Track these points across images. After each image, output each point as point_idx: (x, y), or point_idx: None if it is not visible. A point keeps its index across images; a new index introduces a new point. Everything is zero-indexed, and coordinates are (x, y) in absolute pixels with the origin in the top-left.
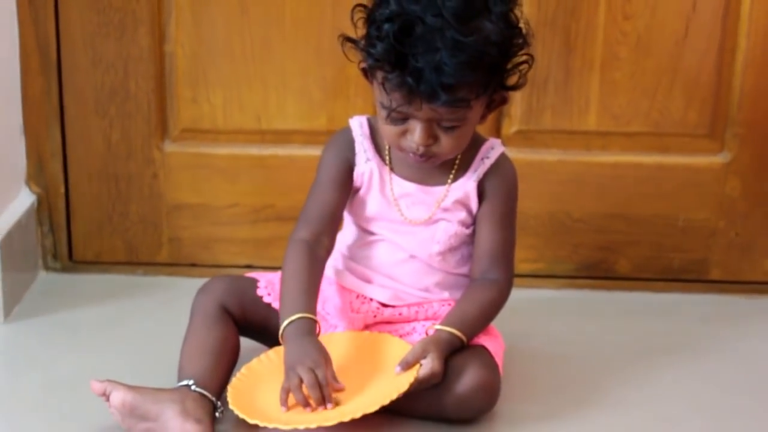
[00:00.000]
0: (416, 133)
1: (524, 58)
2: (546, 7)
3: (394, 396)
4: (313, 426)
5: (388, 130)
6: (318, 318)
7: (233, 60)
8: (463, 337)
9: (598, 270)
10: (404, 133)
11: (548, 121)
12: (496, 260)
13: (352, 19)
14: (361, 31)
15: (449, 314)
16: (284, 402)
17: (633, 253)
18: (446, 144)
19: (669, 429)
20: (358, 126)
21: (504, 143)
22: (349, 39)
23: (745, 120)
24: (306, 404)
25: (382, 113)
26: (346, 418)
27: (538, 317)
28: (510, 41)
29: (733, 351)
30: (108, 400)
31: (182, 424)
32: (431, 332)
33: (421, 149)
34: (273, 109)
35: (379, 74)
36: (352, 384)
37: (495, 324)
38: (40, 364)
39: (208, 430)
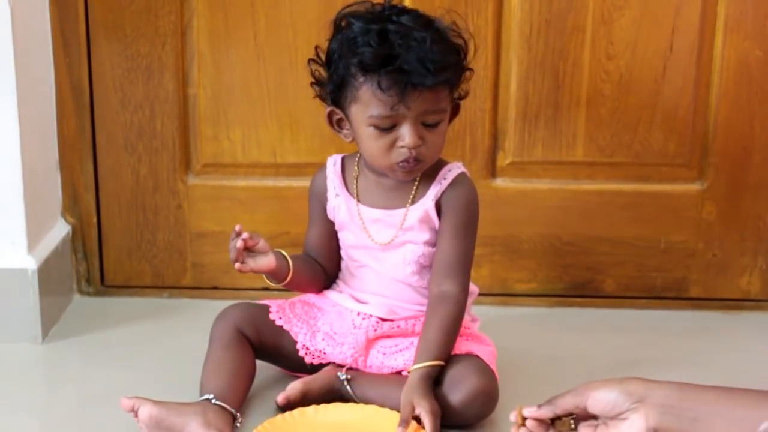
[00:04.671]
0: (406, 136)
1: (468, 69)
2: (536, 49)
3: None
4: None
5: (376, 148)
6: (325, 336)
7: (251, 101)
8: (440, 361)
9: (587, 289)
10: (393, 144)
11: (539, 153)
12: (451, 270)
13: (310, 71)
14: (317, 86)
15: (418, 349)
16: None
17: (618, 273)
18: (431, 143)
19: None
20: (332, 164)
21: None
22: (318, 82)
23: (720, 150)
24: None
25: (369, 132)
26: None
27: (533, 333)
28: (459, 39)
29: (712, 362)
30: (136, 415)
31: None
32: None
33: (413, 152)
34: (287, 145)
35: (368, 84)
36: None
37: (493, 338)
38: (75, 380)
39: None
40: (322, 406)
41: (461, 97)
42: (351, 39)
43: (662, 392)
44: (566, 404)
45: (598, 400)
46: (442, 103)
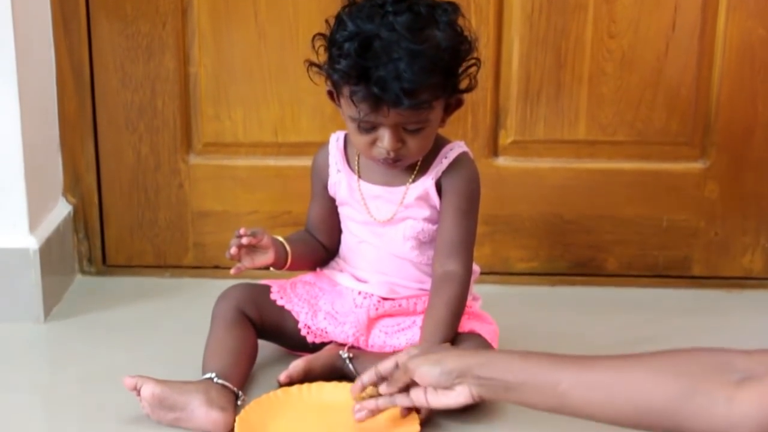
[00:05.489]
0: (385, 139)
1: (473, 62)
2: (538, 27)
3: None
4: None
5: (359, 142)
6: (326, 315)
7: (252, 79)
8: (448, 343)
9: (589, 268)
10: (374, 142)
11: (541, 132)
12: (454, 250)
13: (313, 47)
14: (323, 58)
15: (424, 329)
16: None
17: (620, 252)
18: (413, 146)
19: None
20: (335, 140)
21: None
22: (313, 63)
23: (722, 129)
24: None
25: (352, 126)
26: None
27: (535, 312)
28: (458, 46)
29: (714, 340)
30: (139, 394)
31: (207, 412)
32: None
33: (392, 154)
34: (288, 124)
35: (346, 89)
36: None
37: (494, 316)
38: (77, 360)
39: (231, 417)
40: (306, 384)
41: (467, 90)
42: (338, 41)
43: (476, 367)
44: (398, 382)
45: (423, 376)
46: (422, 115)
